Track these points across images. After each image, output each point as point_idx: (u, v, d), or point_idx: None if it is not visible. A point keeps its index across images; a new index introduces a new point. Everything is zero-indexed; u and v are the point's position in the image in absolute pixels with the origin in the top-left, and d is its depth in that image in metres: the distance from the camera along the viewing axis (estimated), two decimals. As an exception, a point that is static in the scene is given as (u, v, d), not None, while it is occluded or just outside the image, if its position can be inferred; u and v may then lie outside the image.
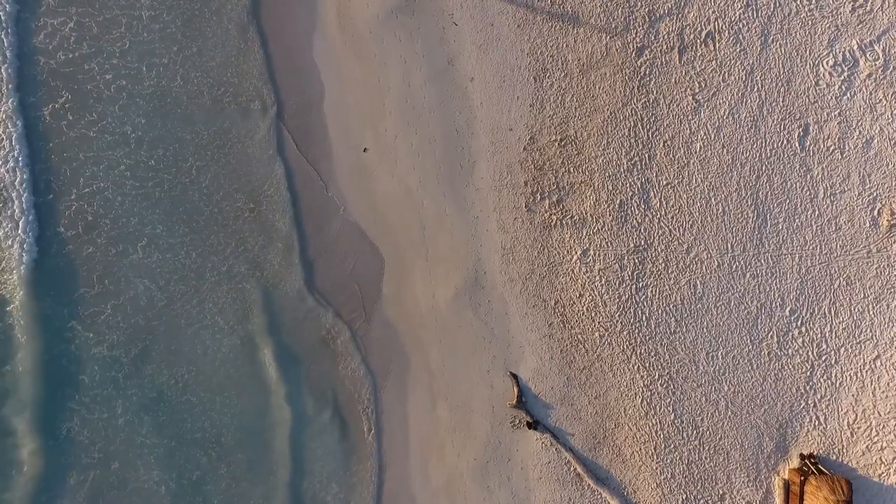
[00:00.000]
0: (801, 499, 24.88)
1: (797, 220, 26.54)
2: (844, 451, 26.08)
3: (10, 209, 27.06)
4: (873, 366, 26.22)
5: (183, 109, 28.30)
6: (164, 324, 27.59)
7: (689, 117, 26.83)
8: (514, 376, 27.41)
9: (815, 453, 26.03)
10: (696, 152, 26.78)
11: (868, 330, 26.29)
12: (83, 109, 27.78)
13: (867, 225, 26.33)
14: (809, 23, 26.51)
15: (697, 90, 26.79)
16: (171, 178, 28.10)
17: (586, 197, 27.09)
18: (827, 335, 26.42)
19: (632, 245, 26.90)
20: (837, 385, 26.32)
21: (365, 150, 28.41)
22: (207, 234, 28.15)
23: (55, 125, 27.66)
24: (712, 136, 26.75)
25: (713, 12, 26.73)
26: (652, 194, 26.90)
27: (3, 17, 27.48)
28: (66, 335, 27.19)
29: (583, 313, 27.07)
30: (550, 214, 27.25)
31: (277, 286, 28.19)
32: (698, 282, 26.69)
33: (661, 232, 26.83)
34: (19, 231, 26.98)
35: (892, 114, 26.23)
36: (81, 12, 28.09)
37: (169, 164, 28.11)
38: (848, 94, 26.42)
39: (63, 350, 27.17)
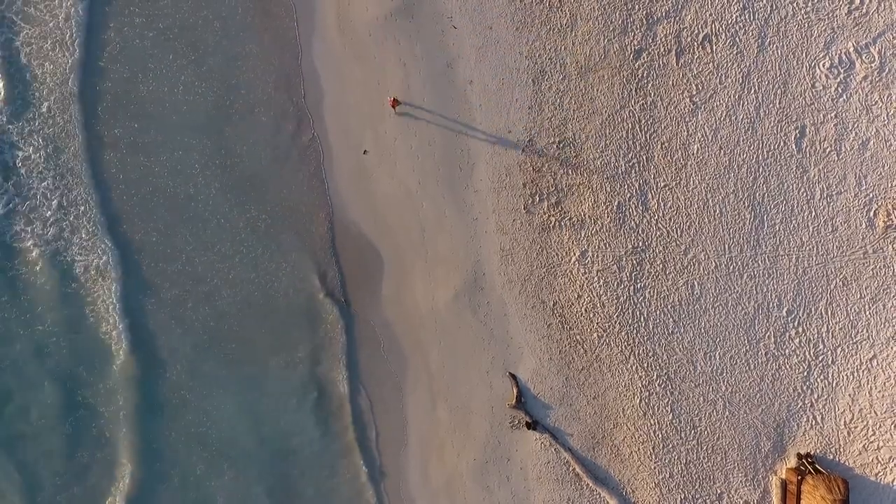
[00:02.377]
0: (799, 498, 25.06)
1: (794, 222, 26.72)
2: (841, 450, 26.27)
3: (87, 227, 28.30)
4: (870, 365, 26.41)
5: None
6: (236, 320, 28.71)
7: (687, 119, 27.00)
8: (513, 377, 27.57)
9: (812, 453, 26.22)
10: (693, 154, 26.97)
11: (864, 330, 26.47)
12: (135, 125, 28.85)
13: (863, 226, 26.51)
14: (805, 25, 26.69)
15: (695, 92, 26.97)
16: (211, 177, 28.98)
17: (585, 198, 27.27)
18: (824, 335, 26.60)
19: (630, 246, 27.08)
20: (834, 385, 26.51)
21: (365, 152, 28.57)
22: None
23: (117, 147, 28.68)
24: (709, 138, 26.93)
25: (710, 15, 26.91)
26: (650, 196, 27.08)
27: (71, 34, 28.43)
28: (155, 344, 28.34)
29: (581, 314, 27.25)
30: (549, 216, 27.43)
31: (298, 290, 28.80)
32: (696, 283, 26.88)
33: (658, 233, 27.01)
34: (101, 249, 28.23)
35: (887, 115, 26.42)
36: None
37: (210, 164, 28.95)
38: (844, 96, 26.60)
39: (152, 356, 28.39)
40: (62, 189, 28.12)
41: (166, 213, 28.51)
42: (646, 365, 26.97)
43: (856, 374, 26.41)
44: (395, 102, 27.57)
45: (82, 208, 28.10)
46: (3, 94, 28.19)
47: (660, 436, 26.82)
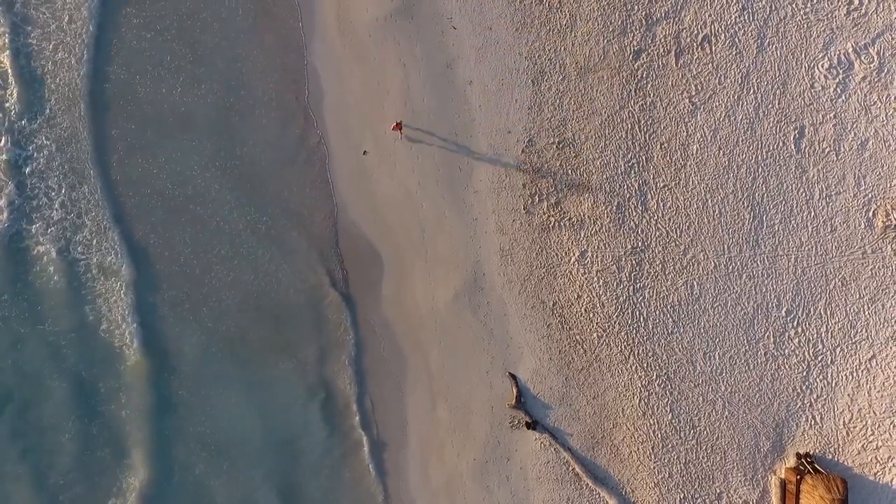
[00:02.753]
0: (798, 497, 25.12)
1: (793, 222, 26.78)
2: (840, 450, 26.32)
3: (93, 227, 28.32)
4: (869, 365, 26.46)
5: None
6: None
7: (686, 120, 27.07)
8: (513, 377, 27.64)
9: (811, 452, 26.25)
10: (692, 154, 27.03)
11: (863, 330, 26.53)
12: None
13: (862, 226, 26.57)
14: (805, 26, 26.76)
15: (694, 93, 27.04)
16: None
17: (584, 199, 27.34)
18: (823, 335, 26.66)
19: (629, 246, 27.14)
20: (833, 385, 26.56)
21: (365, 152, 28.65)
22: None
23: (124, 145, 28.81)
24: (709, 138, 27.00)
25: (709, 16, 26.97)
26: (649, 196, 27.15)
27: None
28: (165, 344, 28.32)
29: (581, 314, 27.32)
30: (549, 216, 27.50)
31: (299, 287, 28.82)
32: (695, 283, 26.94)
33: (658, 233, 27.08)
34: (110, 248, 28.26)
35: (886, 116, 26.48)
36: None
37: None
38: (843, 97, 26.67)
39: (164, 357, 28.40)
40: (67, 188, 28.24)
41: (174, 214, 28.55)
42: (645, 365, 27.04)
43: (855, 374, 26.47)
44: (400, 126, 27.57)
45: (88, 208, 28.15)
46: (14, 94, 28.31)
47: (659, 436, 26.88)
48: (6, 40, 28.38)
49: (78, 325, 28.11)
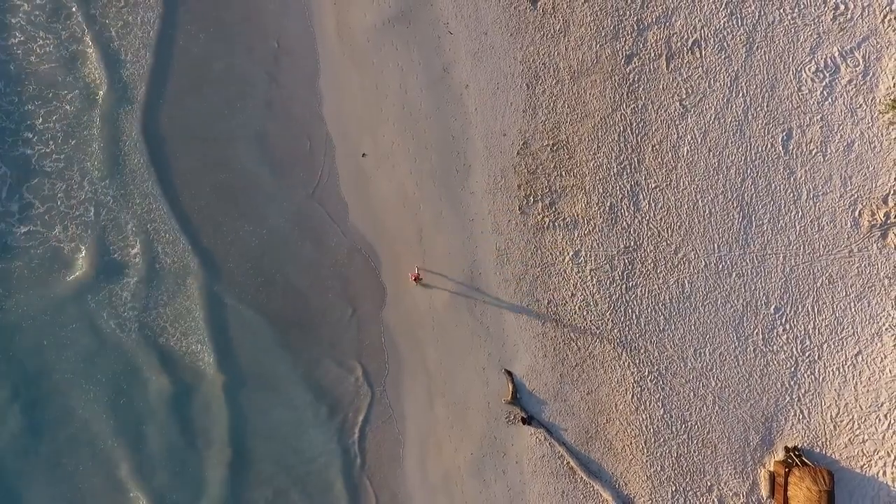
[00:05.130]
0: (786, 490, 25.75)
1: (781, 221, 27.42)
2: (827, 443, 26.95)
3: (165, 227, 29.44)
4: (855, 361, 27.09)
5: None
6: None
7: (677, 122, 27.70)
8: (509, 373, 28.23)
9: (799, 446, 26.87)
10: (683, 156, 27.67)
11: (850, 327, 27.15)
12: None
13: (848, 225, 27.20)
14: (792, 31, 27.39)
15: (684, 96, 27.66)
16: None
17: (578, 200, 27.97)
18: (810, 332, 27.29)
19: (622, 246, 27.77)
20: (821, 380, 27.19)
21: (363, 155, 29.25)
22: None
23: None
24: (699, 140, 27.63)
25: (699, 21, 27.61)
26: (641, 197, 27.78)
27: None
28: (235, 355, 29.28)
29: (575, 312, 27.94)
30: (543, 217, 28.13)
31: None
32: (686, 281, 27.57)
33: (649, 233, 27.71)
34: (183, 257, 29.36)
35: (871, 118, 27.11)
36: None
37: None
38: (829, 100, 27.28)
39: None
40: (140, 204, 29.45)
41: (235, 218, 29.55)
42: (638, 361, 27.66)
43: (841, 369, 27.09)
44: (418, 277, 28.05)
45: (159, 219, 29.29)
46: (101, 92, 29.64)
47: (651, 430, 27.51)
48: (94, 57, 29.89)
49: (156, 338, 29.13)
